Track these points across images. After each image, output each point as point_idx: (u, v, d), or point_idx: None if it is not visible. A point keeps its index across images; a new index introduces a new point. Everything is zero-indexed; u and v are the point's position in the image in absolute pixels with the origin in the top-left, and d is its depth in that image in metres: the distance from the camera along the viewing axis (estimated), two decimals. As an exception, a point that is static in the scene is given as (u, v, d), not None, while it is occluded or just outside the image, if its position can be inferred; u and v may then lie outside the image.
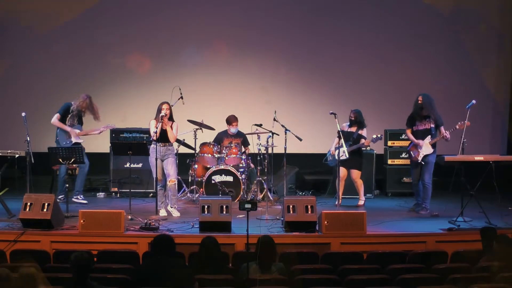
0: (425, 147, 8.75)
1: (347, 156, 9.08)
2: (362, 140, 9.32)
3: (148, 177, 9.89)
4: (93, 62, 11.53)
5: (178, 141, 9.52)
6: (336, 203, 8.99)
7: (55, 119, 9.42)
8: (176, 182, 8.77)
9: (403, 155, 10.33)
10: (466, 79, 11.66)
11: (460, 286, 5.54)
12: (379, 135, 9.18)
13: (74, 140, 9.34)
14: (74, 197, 9.42)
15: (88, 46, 11.47)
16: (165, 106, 8.62)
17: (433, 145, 8.76)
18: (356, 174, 9.47)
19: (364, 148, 9.98)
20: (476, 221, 8.11)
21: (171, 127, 8.65)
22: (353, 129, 9.38)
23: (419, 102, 8.74)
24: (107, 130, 9.72)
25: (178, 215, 8.63)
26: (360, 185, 9.55)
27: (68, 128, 9.38)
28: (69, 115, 9.40)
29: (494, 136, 11.80)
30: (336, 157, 9.20)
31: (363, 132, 9.38)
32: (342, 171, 9.29)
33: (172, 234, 7.12)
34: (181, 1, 11.62)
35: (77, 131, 9.38)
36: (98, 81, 11.39)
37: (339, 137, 8.96)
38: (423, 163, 8.78)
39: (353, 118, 9.39)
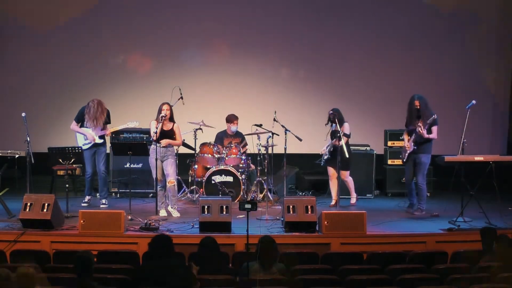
0: (410, 146, 8.80)
1: (347, 155, 8.89)
2: (345, 138, 9.21)
3: (148, 178, 9.88)
4: (93, 62, 11.53)
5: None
6: (331, 204, 9.00)
7: (72, 125, 9.34)
8: (176, 183, 8.77)
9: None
10: (466, 79, 11.66)
11: (460, 286, 5.55)
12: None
13: (91, 141, 9.22)
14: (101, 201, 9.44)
15: (88, 46, 11.47)
16: (165, 107, 8.63)
17: (422, 144, 8.73)
18: (344, 174, 9.37)
19: (367, 147, 10.00)
20: (476, 221, 8.11)
21: (172, 129, 8.65)
22: (337, 128, 9.28)
23: (417, 107, 8.72)
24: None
25: (178, 216, 8.63)
26: (350, 182, 9.52)
27: (83, 131, 9.24)
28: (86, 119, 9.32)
29: (494, 136, 11.80)
30: (325, 157, 9.31)
31: (345, 129, 9.23)
32: (330, 170, 9.30)
33: (172, 234, 7.13)
34: (181, 1, 11.62)
35: (92, 132, 9.22)
36: (98, 81, 11.38)
37: (339, 138, 8.91)
38: (404, 161, 8.93)
39: (332, 118, 9.19)
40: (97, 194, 9.57)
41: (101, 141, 9.32)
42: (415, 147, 8.73)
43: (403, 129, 9.10)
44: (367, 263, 6.48)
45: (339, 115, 9.18)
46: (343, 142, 8.80)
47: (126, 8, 11.53)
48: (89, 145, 9.24)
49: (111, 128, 9.44)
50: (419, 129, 8.57)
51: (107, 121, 9.37)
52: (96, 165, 9.35)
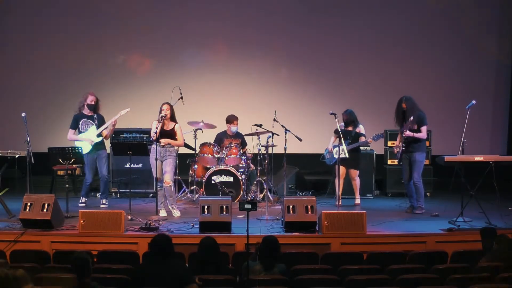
0: (400, 146, 8.88)
1: (347, 155, 9.08)
2: (362, 138, 9.37)
3: (148, 178, 9.90)
4: (93, 62, 11.55)
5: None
6: (336, 203, 9.00)
7: (68, 134, 9.30)
8: (172, 184, 8.71)
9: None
10: (466, 79, 11.67)
11: (460, 286, 5.54)
12: (380, 133, 9.23)
13: (92, 142, 9.18)
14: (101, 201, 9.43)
15: (88, 46, 11.49)
16: (165, 107, 8.63)
17: (413, 143, 8.76)
18: (355, 173, 9.55)
19: (367, 147, 10.11)
20: (476, 221, 8.11)
21: (173, 129, 8.65)
22: (350, 129, 9.44)
23: (404, 108, 8.77)
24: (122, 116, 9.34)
25: (179, 215, 8.63)
26: (357, 183, 9.63)
27: (81, 138, 9.20)
28: (80, 123, 9.26)
29: (494, 136, 11.81)
30: (335, 156, 9.32)
31: (361, 130, 9.44)
32: (341, 169, 9.33)
33: (172, 234, 7.13)
34: (181, 1, 11.62)
35: (91, 137, 9.17)
36: (98, 81, 11.38)
37: (339, 137, 9.01)
38: (401, 163, 8.98)
39: (344, 120, 9.44)
40: (98, 194, 9.56)
41: (100, 138, 9.27)
42: (404, 147, 8.78)
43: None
44: (367, 263, 6.48)
45: (351, 116, 9.41)
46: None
47: (126, 8, 11.55)
48: (90, 147, 9.22)
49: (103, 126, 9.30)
50: (405, 132, 8.66)
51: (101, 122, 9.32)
52: (99, 170, 9.32)
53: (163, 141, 8.59)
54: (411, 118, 8.63)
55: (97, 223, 7.50)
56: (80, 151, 8.75)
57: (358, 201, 9.65)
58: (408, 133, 8.68)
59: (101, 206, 9.28)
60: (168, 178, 8.61)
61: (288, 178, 9.86)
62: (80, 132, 9.26)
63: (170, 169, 8.64)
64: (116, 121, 9.24)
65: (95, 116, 9.29)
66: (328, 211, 7.80)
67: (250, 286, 5.46)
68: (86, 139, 9.19)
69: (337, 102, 11.03)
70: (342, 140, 8.85)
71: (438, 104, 11.00)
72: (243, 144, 10.05)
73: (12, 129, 10.76)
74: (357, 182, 9.63)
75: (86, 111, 9.29)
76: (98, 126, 9.25)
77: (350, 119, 9.44)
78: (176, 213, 8.67)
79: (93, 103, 9.27)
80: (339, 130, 8.91)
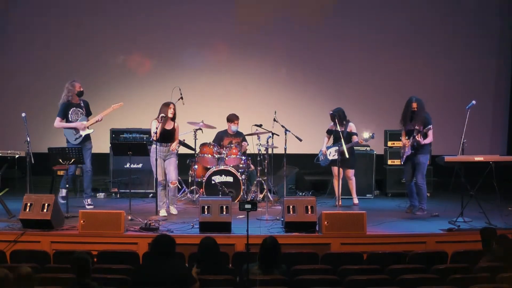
0: (408, 149, 8.80)
1: (347, 155, 8.96)
2: (355, 137, 9.30)
3: (148, 178, 9.90)
4: (93, 62, 11.53)
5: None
6: (336, 203, 8.99)
7: (56, 122, 9.17)
8: (177, 184, 8.79)
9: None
10: (466, 79, 11.67)
11: (460, 286, 5.55)
12: (370, 134, 9.13)
13: (83, 133, 9.09)
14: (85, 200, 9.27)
15: (88, 46, 11.47)
16: (173, 106, 8.66)
17: (417, 146, 8.73)
18: (351, 172, 9.51)
19: (367, 147, 10.09)
20: (476, 221, 8.11)
21: (174, 128, 8.67)
22: (342, 128, 9.32)
23: (414, 109, 8.71)
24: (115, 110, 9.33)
25: (176, 213, 8.67)
26: (353, 182, 9.59)
27: (72, 124, 9.12)
28: (70, 112, 9.21)
29: (494, 136, 11.81)
30: (329, 157, 9.34)
31: (352, 128, 9.38)
32: (337, 170, 9.30)
33: (172, 235, 7.13)
34: (181, 1, 11.62)
35: (84, 122, 9.12)
36: (98, 81, 11.38)
37: (337, 137, 8.99)
38: (403, 164, 8.95)
39: (331, 117, 9.27)
40: (98, 194, 9.52)
41: (92, 131, 9.21)
42: (413, 151, 8.73)
43: (401, 129, 9.11)
44: (367, 263, 6.48)
45: (337, 115, 9.20)
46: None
47: (126, 8, 11.54)
48: (80, 139, 9.12)
49: (93, 118, 9.24)
50: (417, 137, 8.57)
51: (89, 112, 9.29)
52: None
53: (174, 147, 8.63)
54: (430, 125, 8.56)
55: (97, 223, 7.51)
56: (80, 152, 8.71)
57: (356, 200, 9.61)
58: (420, 140, 8.57)
59: (87, 207, 9.06)
60: (174, 178, 8.67)
61: (288, 178, 9.86)
62: (69, 122, 9.17)
63: (174, 168, 8.69)
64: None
65: (82, 103, 9.25)
66: (328, 211, 7.81)
67: (250, 286, 5.47)
68: (78, 125, 9.07)
69: (337, 102, 10.99)
70: (343, 140, 8.80)
71: (438, 104, 10.98)
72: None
73: (12, 129, 10.76)
74: (353, 181, 9.59)
75: (75, 99, 9.19)
76: (86, 113, 9.21)
77: (335, 118, 9.14)
78: (174, 211, 8.72)
79: (82, 89, 9.24)
80: (337, 130, 8.88)
